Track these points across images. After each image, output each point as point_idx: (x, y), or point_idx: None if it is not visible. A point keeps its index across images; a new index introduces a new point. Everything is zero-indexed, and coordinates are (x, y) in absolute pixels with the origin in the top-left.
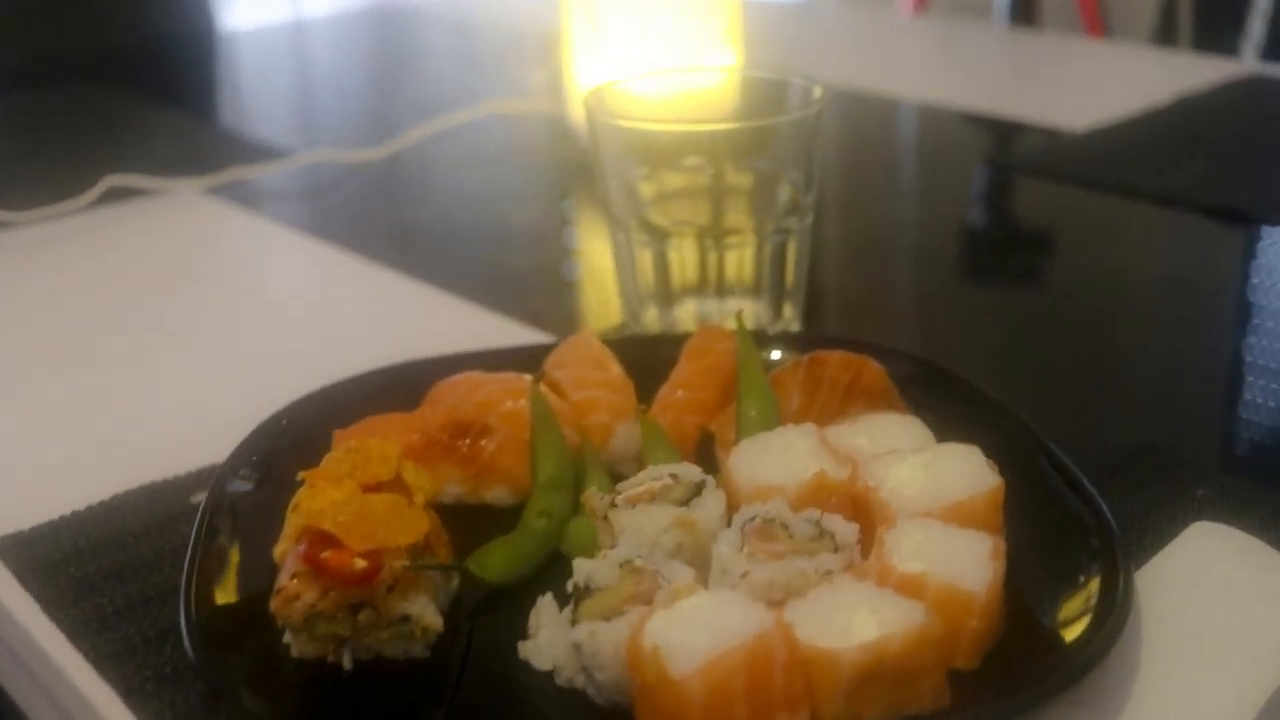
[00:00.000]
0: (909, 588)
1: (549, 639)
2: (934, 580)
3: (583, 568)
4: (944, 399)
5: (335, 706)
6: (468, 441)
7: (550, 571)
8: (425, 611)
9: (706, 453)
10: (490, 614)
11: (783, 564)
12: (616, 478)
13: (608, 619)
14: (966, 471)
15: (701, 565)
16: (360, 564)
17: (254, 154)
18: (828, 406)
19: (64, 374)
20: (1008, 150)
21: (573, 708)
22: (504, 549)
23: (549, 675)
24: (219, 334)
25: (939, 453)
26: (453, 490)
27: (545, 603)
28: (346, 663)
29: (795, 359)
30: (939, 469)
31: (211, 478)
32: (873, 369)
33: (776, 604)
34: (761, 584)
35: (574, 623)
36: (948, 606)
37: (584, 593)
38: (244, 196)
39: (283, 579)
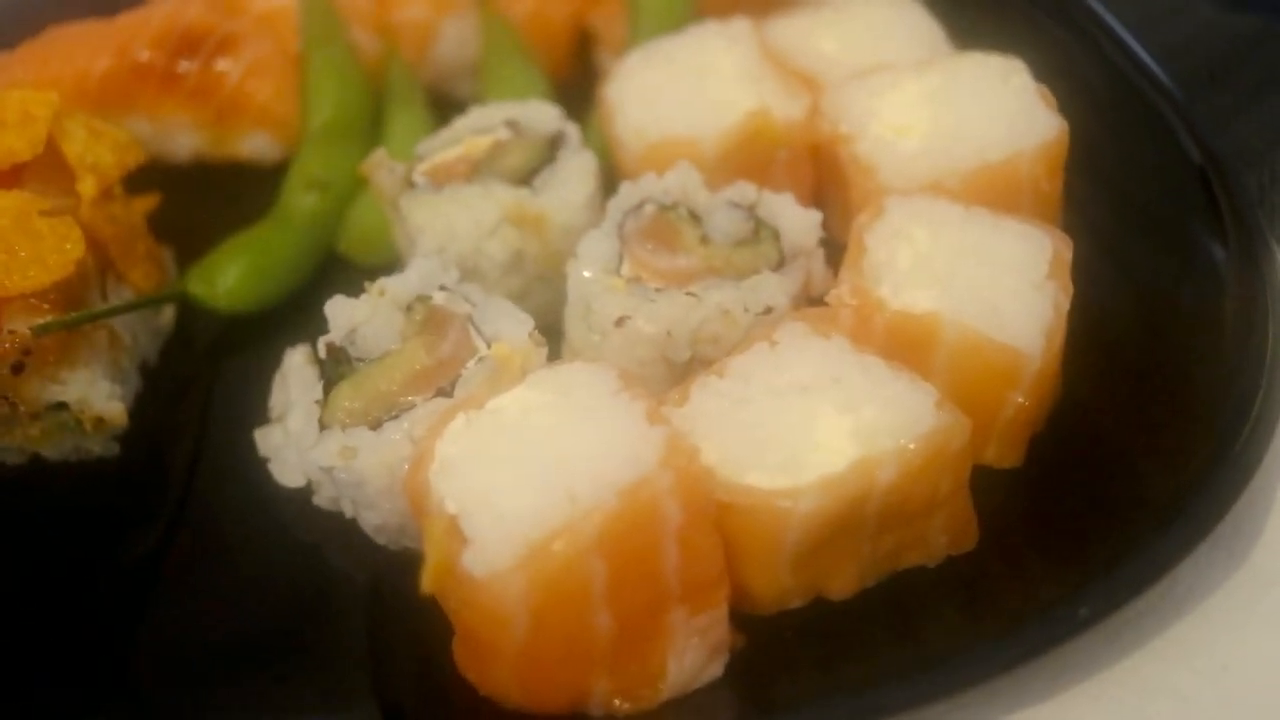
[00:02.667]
0: (909, 343)
1: (301, 431)
2: (954, 329)
3: (341, 310)
4: None
5: None
6: (198, 63)
7: (326, 285)
8: (90, 394)
9: (585, 69)
10: (225, 374)
11: (687, 297)
12: (445, 113)
13: (374, 421)
14: (1003, 105)
15: (551, 296)
16: None
17: None
18: None
19: None
20: None
21: (343, 547)
22: (246, 253)
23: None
24: None
25: (955, 70)
26: (186, 141)
27: (294, 364)
28: None
29: None
30: (956, 101)
31: None
32: None
33: (673, 387)
34: (649, 339)
35: (321, 423)
36: (977, 375)
37: (340, 362)
38: None
39: None
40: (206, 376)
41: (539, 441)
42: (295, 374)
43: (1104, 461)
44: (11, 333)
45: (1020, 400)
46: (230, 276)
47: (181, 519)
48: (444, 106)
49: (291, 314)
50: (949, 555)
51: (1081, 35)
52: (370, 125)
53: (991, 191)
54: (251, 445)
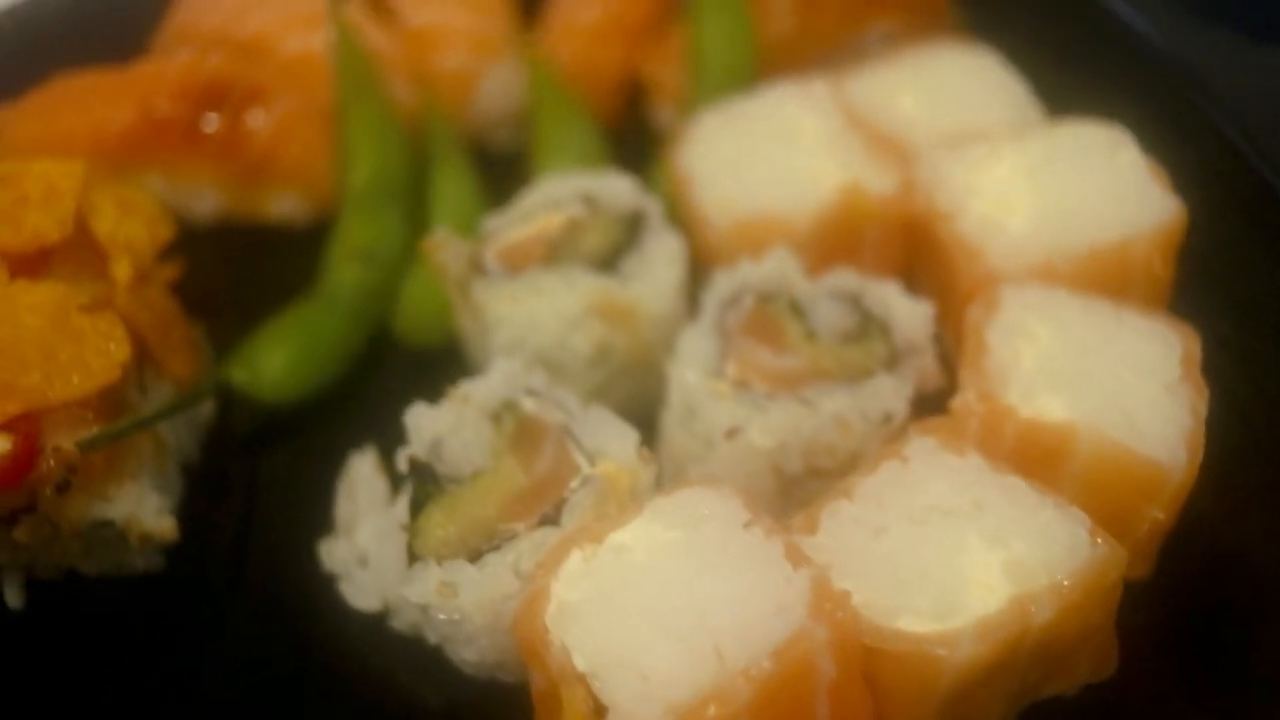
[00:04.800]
0: (1040, 453)
1: (386, 559)
2: (1091, 440)
3: (423, 422)
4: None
5: None
6: (224, 117)
7: (378, 370)
8: (139, 510)
9: (636, 114)
10: (270, 470)
11: (800, 405)
12: (488, 165)
13: (473, 552)
14: (1112, 182)
15: (635, 389)
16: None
17: None
18: (843, 22)
19: None
20: None
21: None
22: (291, 337)
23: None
24: None
25: (1057, 141)
26: (208, 200)
27: (363, 473)
28: (11, 599)
29: None
30: (1061, 177)
31: None
32: None
33: (782, 496)
34: (762, 452)
35: (411, 557)
36: (1113, 489)
37: (425, 479)
38: None
39: None
40: (251, 473)
41: (672, 587)
42: (364, 484)
43: (1231, 571)
44: (56, 450)
45: (1159, 515)
46: (275, 365)
47: (237, 639)
48: (485, 158)
49: (337, 399)
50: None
51: (1179, 97)
52: (413, 186)
53: (1103, 276)
54: (310, 556)
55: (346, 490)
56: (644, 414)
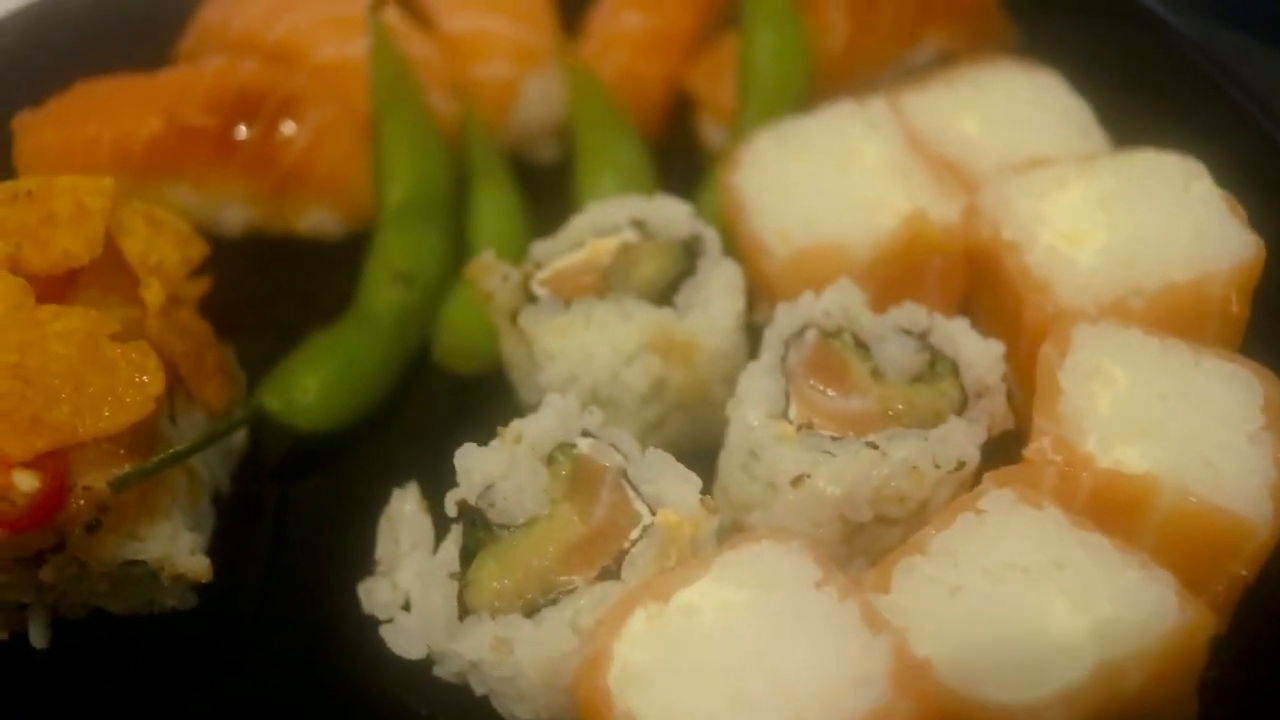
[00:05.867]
0: (1118, 504)
1: (435, 610)
2: (1172, 493)
3: (473, 463)
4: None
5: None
6: (257, 128)
7: (416, 394)
8: (172, 550)
9: (682, 126)
10: (303, 499)
11: (870, 451)
12: (527, 176)
13: (529, 606)
14: (1187, 216)
15: (689, 425)
16: (24, 485)
17: None
18: (896, 37)
19: None
20: None
21: None
22: (327, 362)
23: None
24: None
25: (1128, 170)
26: (237, 214)
27: (405, 512)
28: (36, 639)
29: None
30: (1133, 208)
31: None
32: None
33: (847, 544)
34: (832, 501)
35: (462, 608)
36: (1194, 544)
37: (476, 525)
38: None
39: None
40: (283, 503)
41: (745, 653)
42: (407, 524)
43: None
44: (86, 489)
45: (1241, 572)
46: (311, 392)
47: (267, 679)
48: (525, 170)
49: (373, 425)
50: None
51: (1254, 128)
52: (453, 201)
53: (1177, 315)
54: (346, 594)
55: (388, 528)
56: (698, 449)
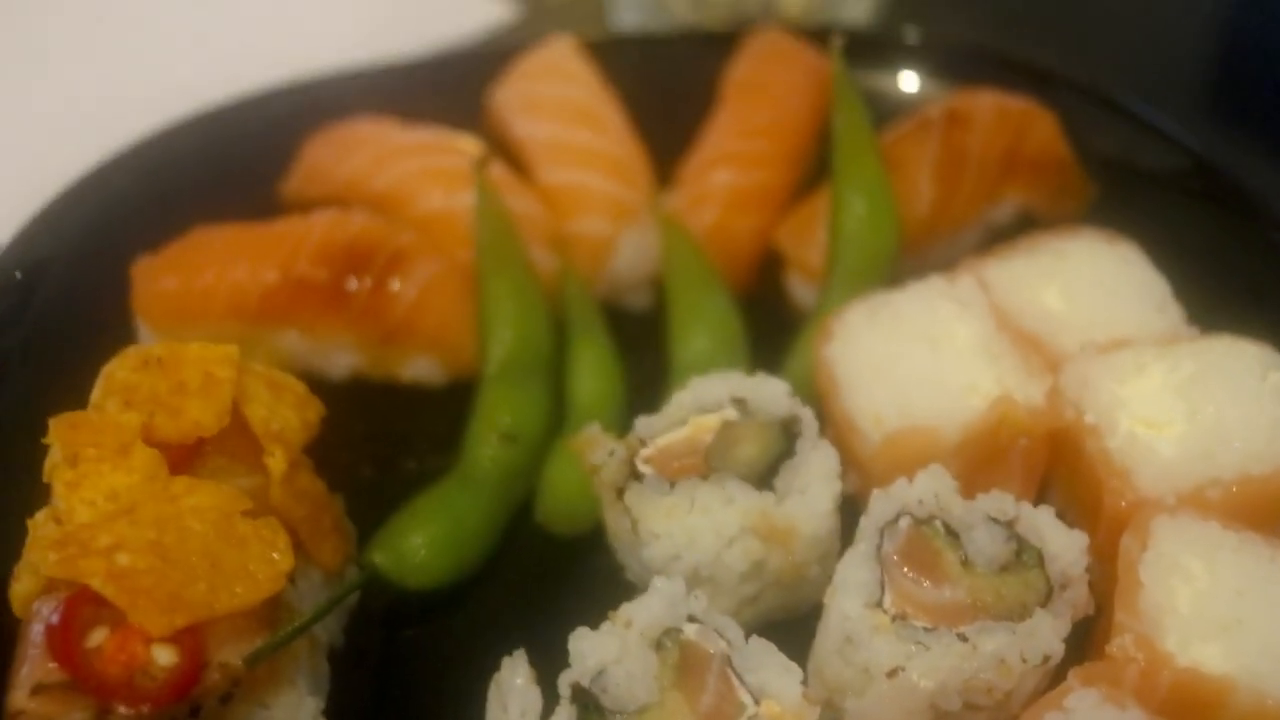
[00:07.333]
0: (1194, 702)
1: None
2: (1249, 695)
3: (586, 649)
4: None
5: None
6: (368, 282)
7: (519, 551)
8: (297, 716)
9: (771, 280)
10: (414, 656)
11: (961, 644)
12: (622, 328)
13: None
14: (1265, 407)
15: (784, 598)
16: (163, 660)
17: None
18: (978, 196)
19: None
20: None
21: None
22: (434, 521)
23: None
24: None
25: (1207, 356)
26: (344, 361)
27: (515, 685)
28: None
29: (921, 117)
30: (1212, 396)
31: None
32: (1044, 125)
33: None
34: (926, 694)
35: None
36: None
37: (589, 709)
38: None
39: (17, 698)
40: (389, 657)
41: None
42: (517, 696)
43: None
44: (222, 665)
45: None
46: (419, 551)
47: None
48: (618, 321)
49: (477, 580)
50: None
51: None
52: (554, 357)
53: (1251, 508)
54: None
55: (497, 696)
56: (790, 618)
